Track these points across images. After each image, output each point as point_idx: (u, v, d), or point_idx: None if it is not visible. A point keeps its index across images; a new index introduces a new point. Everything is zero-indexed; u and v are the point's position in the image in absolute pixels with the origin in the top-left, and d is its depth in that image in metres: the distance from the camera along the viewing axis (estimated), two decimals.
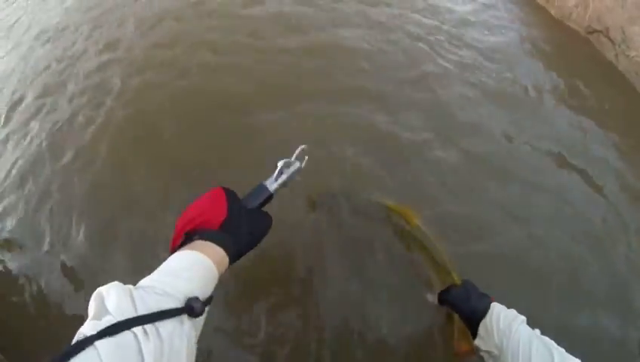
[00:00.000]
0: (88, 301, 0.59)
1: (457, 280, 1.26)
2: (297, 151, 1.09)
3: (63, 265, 1.61)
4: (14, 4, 3.55)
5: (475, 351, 1.06)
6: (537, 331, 0.94)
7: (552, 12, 3.05)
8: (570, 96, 2.36)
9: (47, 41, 2.85)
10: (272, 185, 1.04)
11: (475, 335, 1.05)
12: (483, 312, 1.04)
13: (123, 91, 2.20)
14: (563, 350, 0.85)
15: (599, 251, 1.65)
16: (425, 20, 2.76)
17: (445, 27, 2.74)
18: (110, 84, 2.28)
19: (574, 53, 2.74)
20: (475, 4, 3.06)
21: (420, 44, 2.54)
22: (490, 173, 1.87)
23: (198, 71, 2.26)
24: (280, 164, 1.04)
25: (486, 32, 2.79)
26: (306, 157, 1.11)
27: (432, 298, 1.30)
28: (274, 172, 1.04)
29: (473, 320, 1.06)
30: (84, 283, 1.56)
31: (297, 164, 1.08)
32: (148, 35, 2.59)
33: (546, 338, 0.90)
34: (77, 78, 2.41)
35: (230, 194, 0.92)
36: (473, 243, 1.61)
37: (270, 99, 2.07)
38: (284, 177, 1.05)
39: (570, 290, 1.52)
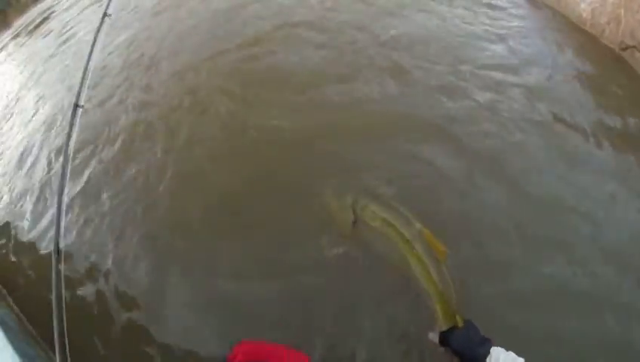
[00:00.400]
0: None
1: (460, 321, 1.27)
2: None
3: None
4: None
5: None
6: None
7: (585, 29, 3.03)
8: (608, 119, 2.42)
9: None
10: None
11: None
12: (484, 357, 1.09)
13: None
14: None
15: None
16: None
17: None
18: None
19: (608, 69, 2.72)
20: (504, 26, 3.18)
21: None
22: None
23: None
24: None
25: (517, 50, 2.93)
26: None
27: (434, 336, 1.31)
28: None
29: None
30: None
31: None
32: None
33: None
34: None
35: None
36: None
37: None
38: None
39: None
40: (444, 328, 1.30)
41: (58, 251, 1.36)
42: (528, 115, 2.45)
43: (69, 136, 1.44)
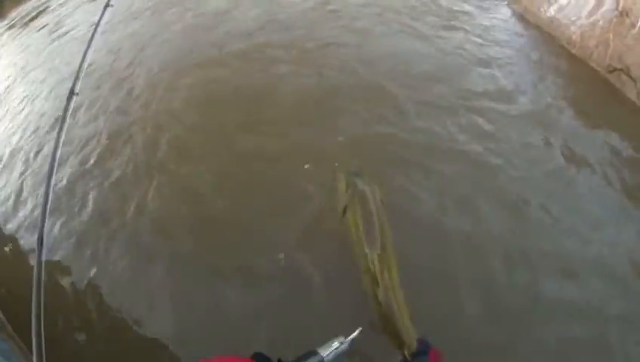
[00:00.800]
0: None
1: (407, 350, 1.26)
2: (354, 334, 1.17)
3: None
4: None
5: None
6: None
7: (574, 52, 3.13)
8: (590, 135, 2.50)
9: None
10: (327, 356, 1.07)
11: None
12: None
13: None
14: None
15: None
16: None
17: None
18: None
19: (596, 92, 2.81)
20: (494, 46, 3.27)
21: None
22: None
23: None
24: (336, 343, 1.11)
25: (507, 73, 3.00)
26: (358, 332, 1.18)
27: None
28: (329, 343, 1.10)
29: None
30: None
31: (347, 345, 1.13)
32: None
33: None
34: None
35: None
36: None
37: None
38: (338, 352, 1.10)
39: None
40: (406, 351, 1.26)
41: (42, 240, 1.32)
42: (516, 138, 2.49)
43: (62, 120, 1.43)
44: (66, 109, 1.48)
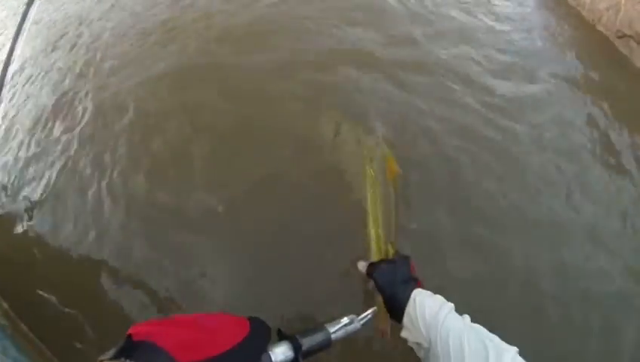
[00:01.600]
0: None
1: (391, 252, 1.19)
2: (367, 313, 1.03)
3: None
4: None
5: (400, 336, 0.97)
6: (467, 318, 0.86)
7: (584, 14, 3.04)
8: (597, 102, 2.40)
9: None
10: (335, 333, 0.94)
11: (397, 320, 0.97)
12: (404, 299, 0.94)
13: None
14: (496, 338, 0.78)
15: None
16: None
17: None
18: None
19: (602, 56, 2.76)
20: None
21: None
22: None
23: None
24: (346, 319, 0.97)
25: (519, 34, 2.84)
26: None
27: (363, 266, 1.14)
28: (338, 320, 0.96)
29: (393, 305, 0.97)
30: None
31: (358, 325, 1.00)
32: None
33: (477, 327, 0.82)
34: None
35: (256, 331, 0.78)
36: None
37: None
38: (347, 330, 0.97)
39: None
40: (376, 258, 1.17)
41: None
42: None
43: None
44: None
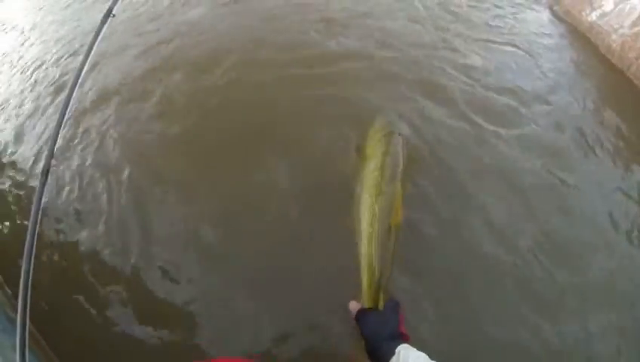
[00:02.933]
0: None
1: (381, 303, 1.17)
2: None
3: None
4: None
5: None
6: None
7: (613, 61, 3.05)
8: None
9: None
10: None
11: None
12: (388, 354, 0.95)
13: None
14: None
15: None
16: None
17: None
18: None
19: (630, 104, 2.75)
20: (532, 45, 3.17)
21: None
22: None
23: None
24: None
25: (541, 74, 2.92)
26: None
27: (354, 309, 1.15)
28: None
29: (375, 356, 0.98)
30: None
31: None
32: None
33: None
34: None
35: None
36: None
37: None
38: None
39: None
40: (366, 305, 1.18)
41: (47, 173, 1.22)
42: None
43: (92, 42, 1.29)
44: (98, 32, 1.33)
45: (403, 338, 1.00)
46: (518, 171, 2.21)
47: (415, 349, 0.95)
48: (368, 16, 3.29)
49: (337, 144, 2.22)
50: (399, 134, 2.01)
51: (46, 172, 1.21)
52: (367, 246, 1.35)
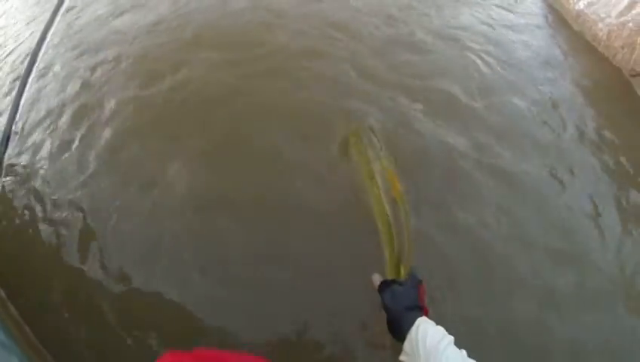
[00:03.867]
0: None
1: (403, 274, 1.20)
2: None
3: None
4: None
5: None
6: (464, 352, 0.89)
7: (599, 49, 3.10)
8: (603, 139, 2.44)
9: None
10: None
11: (399, 339, 1.02)
12: (407, 325, 0.98)
13: None
14: None
15: None
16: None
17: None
18: None
19: (615, 93, 2.81)
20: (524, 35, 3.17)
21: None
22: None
23: None
24: None
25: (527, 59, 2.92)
26: None
27: (377, 280, 1.20)
28: None
29: (395, 328, 1.03)
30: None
31: None
32: None
33: None
34: None
35: None
36: None
37: None
38: None
39: None
40: (390, 275, 1.22)
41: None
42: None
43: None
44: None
45: (422, 312, 1.04)
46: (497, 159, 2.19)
47: (433, 323, 0.98)
48: None
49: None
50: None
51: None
52: (381, 223, 1.40)
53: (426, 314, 1.04)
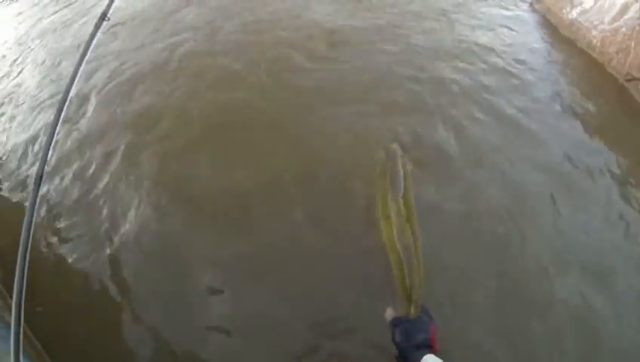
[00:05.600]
0: None
1: (414, 312, 1.23)
2: None
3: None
4: None
5: None
6: None
7: (594, 56, 3.14)
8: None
9: None
10: None
11: None
12: (415, 361, 1.04)
13: None
14: None
15: None
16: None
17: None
18: None
19: (611, 98, 2.83)
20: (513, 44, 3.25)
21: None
22: None
23: None
24: None
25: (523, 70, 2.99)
26: None
27: (390, 315, 1.26)
28: None
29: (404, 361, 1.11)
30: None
31: None
32: None
33: None
34: None
35: None
36: None
37: None
38: None
39: None
40: (400, 313, 1.25)
41: (41, 176, 1.21)
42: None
43: (87, 45, 1.28)
44: (92, 35, 1.32)
45: (432, 350, 1.09)
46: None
47: (441, 360, 1.02)
48: None
49: None
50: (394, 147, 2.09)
51: (39, 178, 1.20)
52: (394, 258, 1.44)
53: (435, 352, 1.08)
